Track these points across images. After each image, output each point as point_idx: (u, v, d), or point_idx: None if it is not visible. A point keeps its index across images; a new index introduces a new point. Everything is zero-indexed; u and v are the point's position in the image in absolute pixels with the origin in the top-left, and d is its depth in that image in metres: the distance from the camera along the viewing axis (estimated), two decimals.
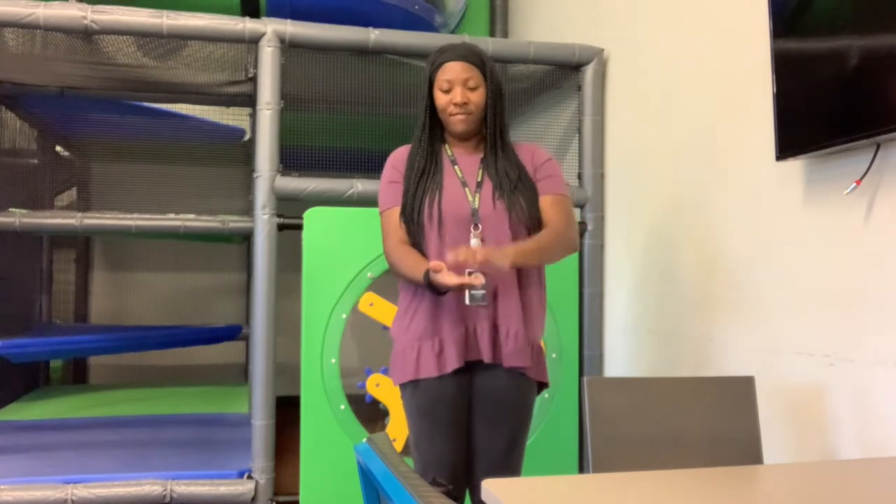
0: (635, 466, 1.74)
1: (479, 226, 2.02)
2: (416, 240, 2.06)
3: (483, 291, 1.94)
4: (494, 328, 2.02)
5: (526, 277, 2.06)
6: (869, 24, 1.75)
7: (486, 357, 2.01)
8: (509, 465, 2.07)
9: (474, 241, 2.00)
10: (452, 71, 2.03)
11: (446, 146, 2.13)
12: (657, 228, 2.89)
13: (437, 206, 2.03)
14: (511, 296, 2.02)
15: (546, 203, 2.10)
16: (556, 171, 2.15)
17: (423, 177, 2.06)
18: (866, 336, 1.90)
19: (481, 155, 2.12)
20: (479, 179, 2.08)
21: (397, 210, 2.08)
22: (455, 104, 2.03)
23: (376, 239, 2.35)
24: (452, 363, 1.99)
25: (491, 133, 2.09)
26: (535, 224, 2.07)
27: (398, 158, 2.14)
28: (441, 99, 2.05)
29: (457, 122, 2.05)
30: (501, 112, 2.10)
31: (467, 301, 1.94)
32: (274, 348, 2.99)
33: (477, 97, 2.05)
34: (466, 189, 2.06)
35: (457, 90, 2.03)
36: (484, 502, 1.28)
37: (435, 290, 1.94)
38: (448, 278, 1.85)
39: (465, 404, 2.05)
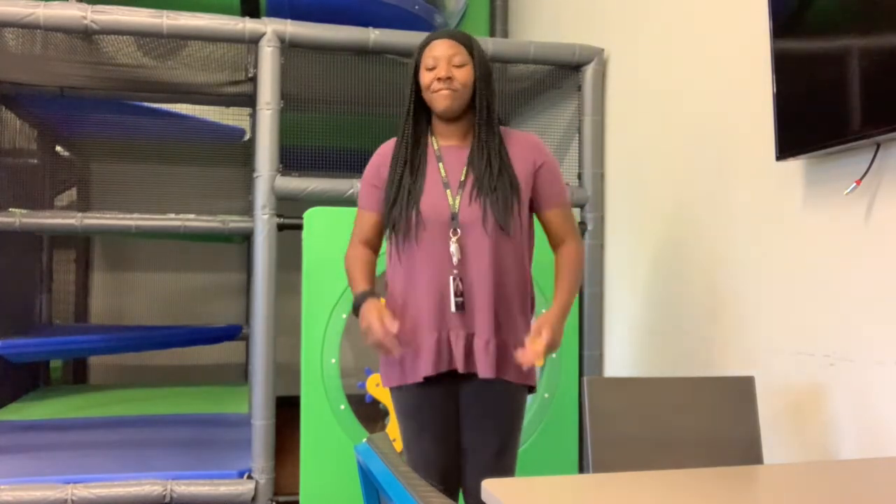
0: (635, 466, 1.74)
1: (459, 231, 1.99)
2: (394, 241, 2.05)
3: (463, 299, 1.98)
4: (471, 336, 2.00)
5: (504, 286, 2.01)
6: (869, 24, 1.75)
7: (461, 367, 1.99)
8: (500, 468, 2.04)
9: (452, 247, 1.98)
10: (438, 48, 1.99)
11: (433, 139, 2.07)
12: (657, 228, 2.89)
13: (416, 210, 1.99)
14: (486, 305, 1.98)
15: (558, 218, 2.08)
16: (559, 175, 2.11)
17: (405, 178, 2.01)
18: (866, 336, 1.90)
19: (469, 149, 2.05)
20: (462, 178, 2.02)
21: (370, 215, 2.09)
22: (439, 79, 1.97)
23: None
24: (426, 370, 1.97)
25: (478, 115, 2.02)
26: (512, 222, 2.00)
27: (383, 157, 2.10)
28: (426, 77, 2.00)
29: (440, 97, 1.98)
30: (489, 93, 2.03)
31: (452, 308, 1.98)
32: (274, 348, 2.99)
33: (462, 75, 1.99)
34: (448, 191, 2.01)
35: (441, 65, 1.97)
36: (484, 502, 1.28)
37: (356, 309, 2.00)
38: (375, 322, 1.88)
39: (453, 407, 2.04)
